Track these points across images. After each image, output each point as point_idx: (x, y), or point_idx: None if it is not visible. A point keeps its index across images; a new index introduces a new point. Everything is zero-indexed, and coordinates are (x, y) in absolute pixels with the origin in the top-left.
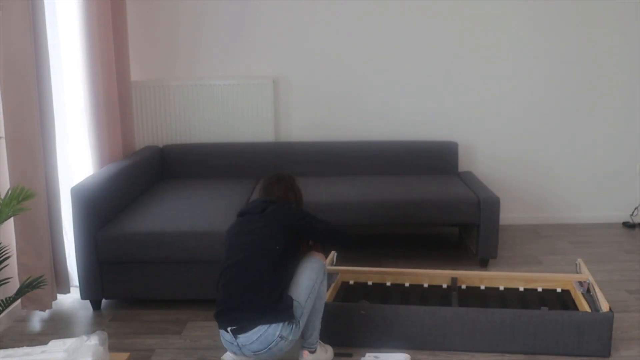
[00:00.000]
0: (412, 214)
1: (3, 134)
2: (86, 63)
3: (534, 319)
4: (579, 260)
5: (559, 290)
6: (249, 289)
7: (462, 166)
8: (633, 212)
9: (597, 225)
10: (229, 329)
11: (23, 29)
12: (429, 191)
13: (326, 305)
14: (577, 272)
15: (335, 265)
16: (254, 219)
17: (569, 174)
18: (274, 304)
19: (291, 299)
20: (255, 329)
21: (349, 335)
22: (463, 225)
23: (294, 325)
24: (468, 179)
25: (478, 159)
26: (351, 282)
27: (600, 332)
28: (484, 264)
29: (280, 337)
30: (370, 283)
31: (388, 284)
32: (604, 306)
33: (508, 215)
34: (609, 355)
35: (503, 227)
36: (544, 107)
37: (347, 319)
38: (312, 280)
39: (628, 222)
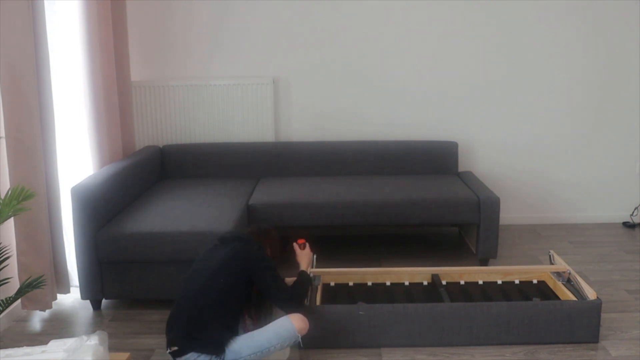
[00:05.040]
0: (412, 214)
1: (3, 134)
2: (86, 63)
3: (529, 310)
4: (552, 251)
5: (535, 281)
6: (191, 316)
7: (462, 166)
8: (633, 212)
9: (597, 225)
10: (169, 349)
11: (23, 29)
12: (429, 191)
13: (323, 308)
14: (551, 264)
15: (315, 267)
16: (218, 248)
17: (569, 174)
18: (206, 335)
19: (227, 337)
20: (188, 355)
21: (348, 337)
22: (463, 225)
23: None
24: (468, 179)
25: (478, 159)
26: (332, 283)
27: (589, 319)
28: (484, 263)
29: None
30: (351, 284)
31: (369, 284)
32: (591, 294)
33: (508, 215)
34: (597, 341)
35: (503, 227)
36: (544, 107)
37: (346, 320)
38: (270, 343)
39: (628, 222)
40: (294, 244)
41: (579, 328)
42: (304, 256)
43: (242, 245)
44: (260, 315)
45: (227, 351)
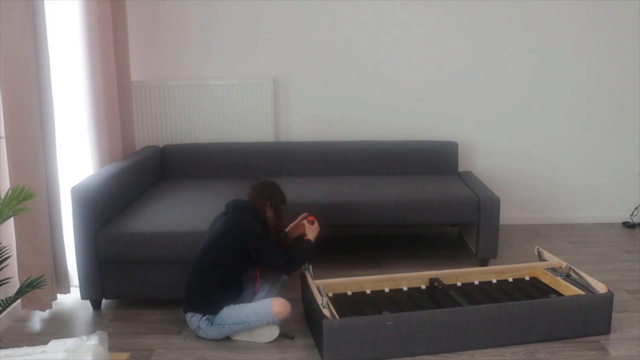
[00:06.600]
0: (412, 214)
1: (3, 134)
2: (86, 63)
3: (548, 307)
4: (539, 247)
5: (527, 278)
6: (190, 282)
7: (462, 166)
8: (633, 212)
9: (597, 225)
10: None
11: (23, 29)
12: (429, 191)
13: (349, 321)
14: (541, 260)
15: (313, 278)
16: (219, 219)
17: (569, 174)
18: (201, 298)
19: (219, 299)
20: (188, 314)
21: (377, 349)
22: (463, 225)
23: (209, 323)
24: (468, 179)
25: (478, 159)
26: (330, 294)
27: (603, 311)
28: (484, 263)
29: (198, 327)
30: (349, 293)
31: (368, 292)
32: (601, 287)
33: (508, 215)
34: (609, 332)
35: (503, 227)
36: (545, 107)
37: (373, 332)
38: (249, 319)
39: (628, 222)
40: (304, 220)
41: (594, 321)
42: (313, 230)
43: (236, 221)
44: (268, 276)
45: (217, 316)
